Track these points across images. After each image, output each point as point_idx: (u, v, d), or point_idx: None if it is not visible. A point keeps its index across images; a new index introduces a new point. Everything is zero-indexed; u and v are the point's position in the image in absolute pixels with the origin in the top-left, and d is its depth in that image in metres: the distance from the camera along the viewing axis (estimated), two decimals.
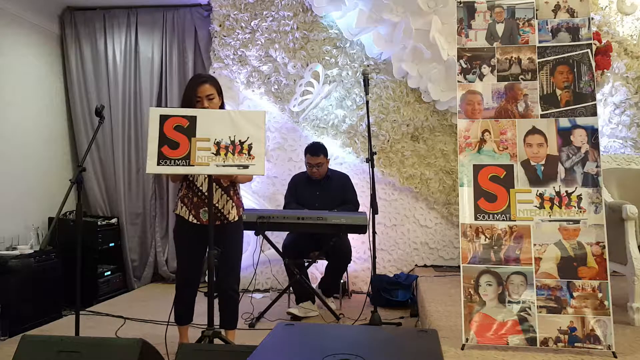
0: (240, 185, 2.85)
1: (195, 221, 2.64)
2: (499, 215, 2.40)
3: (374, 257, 3.30)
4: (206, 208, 2.52)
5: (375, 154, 3.85)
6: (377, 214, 3.23)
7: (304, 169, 4.52)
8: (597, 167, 2.39)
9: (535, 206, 2.39)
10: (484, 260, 2.38)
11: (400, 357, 1.41)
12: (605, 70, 4.19)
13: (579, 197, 2.37)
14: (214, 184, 2.63)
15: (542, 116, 2.47)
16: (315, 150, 3.99)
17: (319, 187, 4.04)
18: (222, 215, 2.67)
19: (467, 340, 2.31)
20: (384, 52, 4.56)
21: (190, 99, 2.59)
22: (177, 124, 2.33)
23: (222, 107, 2.72)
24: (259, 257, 3.79)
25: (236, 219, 2.72)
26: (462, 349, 2.29)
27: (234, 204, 2.71)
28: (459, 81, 2.57)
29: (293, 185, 4.16)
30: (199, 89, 2.59)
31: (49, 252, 3.84)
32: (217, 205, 2.65)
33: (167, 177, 4.87)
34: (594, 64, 2.48)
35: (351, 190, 4.11)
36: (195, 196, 2.65)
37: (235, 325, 2.79)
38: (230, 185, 2.70)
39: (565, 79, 2.48)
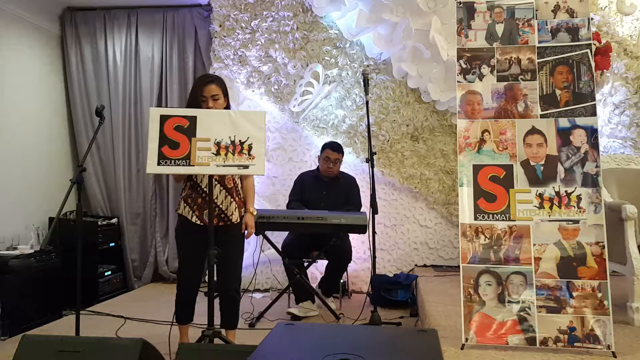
0: None
1: (198, 222, 2.65)
2: (499, 215, 2.41)
3: (373, 257, 3.31)
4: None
5: (375, 154, 3.85)
6: (377, 214, 3.23)
7: (303, 169, 4.53)
8: (596, 167, 2.39)
9: (535, 206, 2.39)
10: (484, 260, 2.38)
11: (400, 357, 1.42)
12: (604, 70, 4.18)
13: (579, 197, 2.37)
14: (218, 185, 2.65)
15: (542, 116, 2.47)
16: (336, 147, 4.02)
17: (326, 187, 4.04)
18: (226, 217, 2.68)
19: (466, 340, 2.31)
20: (384, 52, 4.56)
21: (196, 98, 2.62)
22: (177, 124, 2.33)
23: (227, 108, 2.73)
24: (259, 257, 3.79)
25: (238, 220, 2.72)
26: (462, 348, 2.30)
27: (237, 205, 2.71)
28: (458, 81, 2.57)
29: (300, 183, 4.14)
30: (205, 88, 2.61)
31: (49, 252, 3.84)
32: (220, 206, 2.66)
33: (168, 176, 4.90)
34: (593, 64, 2.48)
35: (356, 192, 4.11)
36: (199, 197, 2.66)
37: (235, 325, 2.80)
38: (234, 186, 2.71)
39: (564, 79, 2.48)
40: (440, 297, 3.34)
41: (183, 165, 2.31)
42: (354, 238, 4.15)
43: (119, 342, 2.11)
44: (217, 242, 2.44)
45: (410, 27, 4.20)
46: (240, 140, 2.33)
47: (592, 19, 3.51)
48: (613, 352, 2.21)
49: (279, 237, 4.14)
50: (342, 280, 4.12)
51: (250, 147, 2.33)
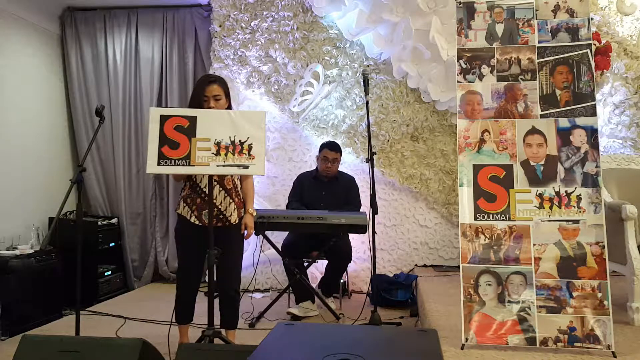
0: None
1: (197, 222, 2.65)
2: (499, 215, 2.41)
3: (373, 257, 3.31)
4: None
5: (375, 154, 3.85)
6: (377, 213, 3.23)
7: (304, 169, 4.53)
8: (596, 167, 2.39)
9: (535, 206, 2.39)
10: (484, 260, 2.38)
11: (400, 357, 1.42)
12: (604, 70, 4.18)
13: (579, 197, 2.37)
14: (217, 185, 2.65)
15: (542, 116, 2.47)
16: (334, 146, 4.02)
17: (325, 187, 4.04)
18: (224, 217, 2.68)
19: (466, 340, 2.31)
20: (384, 52, 4.56)
21: (198, 98, 2.63)
22: (177, 124, 2.33)
23: (229, 108, 2.74)
24: (259, 257, 3.79)
25: (237, 221, 2.72)
26: (462, 348, 2.30)
27: (235, 207, 2.72)
28: (458, 81, 2.57)
29: (298, 184, 4.14)
30: (207, 88, 2.63)
31: (49, 252, 3.84)
32: (219, 207, 2.66)
33: (168, 176, 4.90)
34: (593, 64, 2.48)
35: (355, 192, 4.11)
36: (198, 197, 2.66)
37: (235, 325, 2.80)
38: (233, 187, 2.71)
39: (564, 79, 2.48)
40: (440, 297, 3.34)
41: (183, 165, 2.31)
42: (354, 238, 4.15)
43: (119, 342, 2.11)
44: (216, 242, 2.45)
45: (410, 27, 4.20)
46: (240, 140, 2.33)
47: (592, 19, 3.51)
48: (613, 352, 2.21)
49: (279, 237, 4.14)
50: (342, 280, 4.12)
51: (250, 147, 2.33)
